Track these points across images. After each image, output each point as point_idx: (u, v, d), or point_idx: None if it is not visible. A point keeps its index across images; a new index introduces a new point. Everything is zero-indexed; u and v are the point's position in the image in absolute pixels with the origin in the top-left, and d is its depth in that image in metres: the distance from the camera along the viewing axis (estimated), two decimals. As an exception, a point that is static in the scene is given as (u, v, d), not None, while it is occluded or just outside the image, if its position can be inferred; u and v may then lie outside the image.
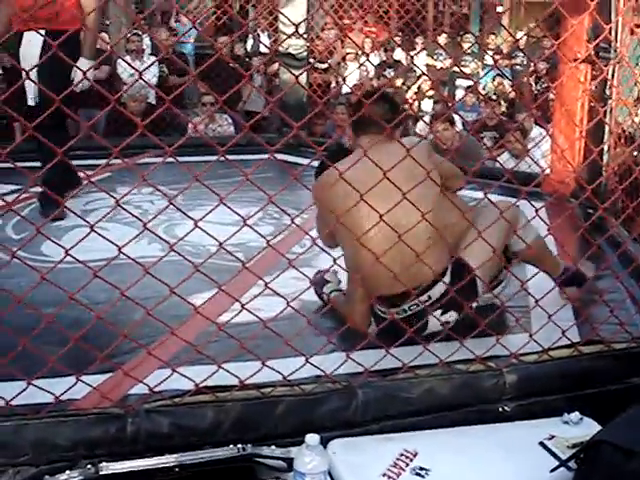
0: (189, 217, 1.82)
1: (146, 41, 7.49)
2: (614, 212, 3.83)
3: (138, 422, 1.84)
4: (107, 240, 1.78)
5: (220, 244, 1.83)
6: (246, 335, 2.08)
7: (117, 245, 1.77)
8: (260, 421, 1.95)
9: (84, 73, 1.83)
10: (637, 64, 3.48)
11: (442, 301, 2.50)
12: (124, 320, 2.35)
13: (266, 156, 1.97)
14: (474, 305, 2.55)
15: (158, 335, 2.32)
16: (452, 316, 2.56)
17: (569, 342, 2.35)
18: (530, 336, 2.28)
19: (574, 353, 2.32)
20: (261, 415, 1.96)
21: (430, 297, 2.55)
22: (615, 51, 3.74)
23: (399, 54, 9.11)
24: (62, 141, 1.93)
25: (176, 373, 1.96)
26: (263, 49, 8.61)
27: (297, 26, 2.09)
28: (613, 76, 3.81)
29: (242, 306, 1.95)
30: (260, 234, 1.98)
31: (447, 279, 2.56)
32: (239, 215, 1.86)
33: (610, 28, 3.74)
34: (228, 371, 1.96)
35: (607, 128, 3.90)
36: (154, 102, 6.61)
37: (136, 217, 1.84)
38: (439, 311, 2.55)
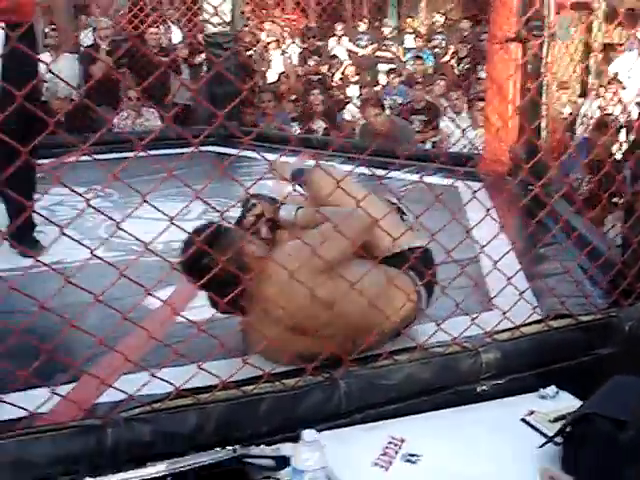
0: (109, 217, 1.74)
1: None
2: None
3: (118, 432, 1.75)
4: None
5: (146, 245, 1.72)
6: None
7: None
8: (244, 421, 1.89)
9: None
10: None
11: None
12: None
13: (195, 149, 1.93)
14: None
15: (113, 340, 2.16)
16: None
17: (538, 318, 2.37)
18: (503, 314, 2.27)
19: (544, 328, 2.33)
20: (245, 415, 1.90)
21: None
22: (548, 28, 3.79)
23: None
24: None
25: (153, 377, 1.87)
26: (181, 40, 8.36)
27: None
28: (548, 53, 3.86)
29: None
30: (186, 231, 1.96)
31: None
32: (163, 213, 1.75)
33: (542, 5, 3.80)
34: (209, 371, 1.88)
35: (543, 105, 3.94)
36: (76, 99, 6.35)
37: (50, 221, 1.78)
38: None
